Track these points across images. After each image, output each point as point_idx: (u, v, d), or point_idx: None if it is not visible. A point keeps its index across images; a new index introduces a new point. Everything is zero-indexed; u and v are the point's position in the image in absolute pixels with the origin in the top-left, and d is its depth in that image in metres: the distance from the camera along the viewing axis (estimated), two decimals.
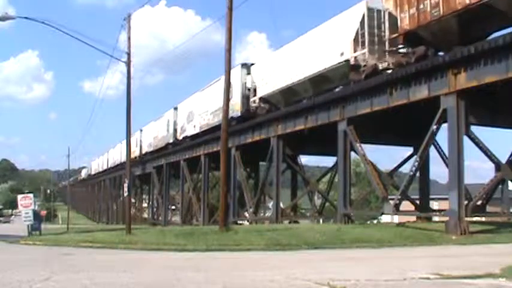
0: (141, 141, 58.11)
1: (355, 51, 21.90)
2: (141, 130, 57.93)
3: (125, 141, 55.00)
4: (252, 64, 32.46)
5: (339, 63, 22.85)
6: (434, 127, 19.13)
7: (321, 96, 25.13)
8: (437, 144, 22.79)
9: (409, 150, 26.41)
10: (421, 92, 19.40)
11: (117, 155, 68.42)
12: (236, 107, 31.59)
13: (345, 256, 12.63)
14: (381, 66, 21.38)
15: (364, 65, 21.63)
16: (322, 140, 27.85)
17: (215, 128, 33.56)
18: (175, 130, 45.56)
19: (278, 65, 28.63)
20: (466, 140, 18.72)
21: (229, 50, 18.86)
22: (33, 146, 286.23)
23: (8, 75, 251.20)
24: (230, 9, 18.54)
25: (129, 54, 22.74)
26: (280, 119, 28.64)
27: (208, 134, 36.48)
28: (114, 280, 7.52)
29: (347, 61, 22.36)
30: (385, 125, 23.42)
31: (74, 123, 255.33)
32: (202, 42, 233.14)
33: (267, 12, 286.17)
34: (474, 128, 19.32)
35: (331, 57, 23.31)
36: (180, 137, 44.16)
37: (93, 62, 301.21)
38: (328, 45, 23.69)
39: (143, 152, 57.27)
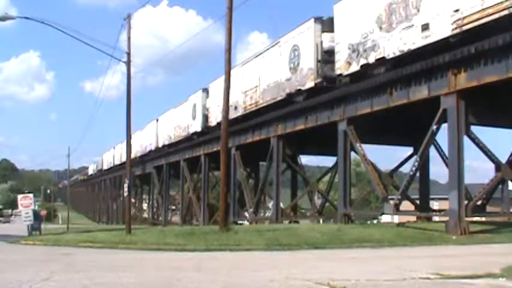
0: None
1: None
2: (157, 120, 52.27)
3: (145, 129, 55.11)
4: None
5: None
6: (434, 127, 19.11)
7: (321, 96, 25.10)
8: (437, 144, 22.79)
9: (409, 150, 26.45)
10: (421, 92, 19.38)
11: (144, 141, 56.70)
12: None
13: (345, 256, 12.62)
14: None
15: None
16: (322, 140, 27.82)
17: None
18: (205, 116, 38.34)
19: None
20: (466, 140, 18.72)
21: (229, 50, 18.80)
22: (33, 146, 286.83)
23: (9, 75, 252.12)
24: (230, 9, 18.48)
25: (129, 54, 22.76)
26: (280, 119, 28.62)
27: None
28: (114, 280, 7.52)
29: None
30: (385, 125, 23.41)
31: (74, 123, 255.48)
32: (204, 42, 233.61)
33: (267, 12, 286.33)
34: (474, 128, 19.33)
35: None
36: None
37: (94, 62, 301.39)
38: None
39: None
